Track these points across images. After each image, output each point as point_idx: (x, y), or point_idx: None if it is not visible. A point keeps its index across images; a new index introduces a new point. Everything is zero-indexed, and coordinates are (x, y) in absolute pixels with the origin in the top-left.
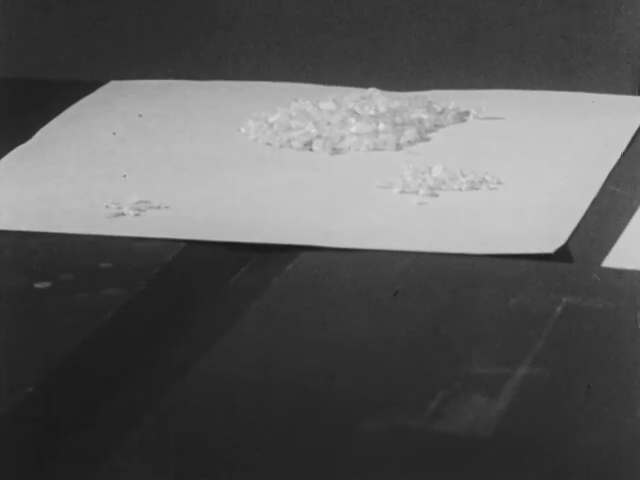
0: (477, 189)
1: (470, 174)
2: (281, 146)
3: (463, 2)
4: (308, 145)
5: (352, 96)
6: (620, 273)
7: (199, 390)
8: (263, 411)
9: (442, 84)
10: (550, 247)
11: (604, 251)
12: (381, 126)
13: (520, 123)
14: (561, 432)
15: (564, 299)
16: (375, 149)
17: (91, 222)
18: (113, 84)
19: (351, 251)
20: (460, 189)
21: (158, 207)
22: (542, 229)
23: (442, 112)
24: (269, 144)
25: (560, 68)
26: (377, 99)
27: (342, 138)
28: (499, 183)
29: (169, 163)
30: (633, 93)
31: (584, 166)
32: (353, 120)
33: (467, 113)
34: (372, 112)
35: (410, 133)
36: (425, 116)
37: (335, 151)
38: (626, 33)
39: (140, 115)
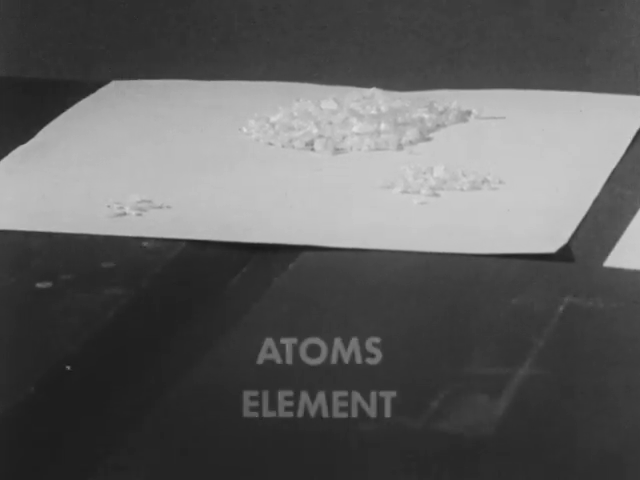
0: (479, 189)
1: (472, 174)
2: (283, 146)
3: (464, 2)
4: (310, 145)
5: (354, 96)
6: (622, 273)
7: (201, 390)
8: (263, 410)
9: (444, 84)
10: (552, 247)
11: (606, 251)
12: (383, 126)
13: (522, 123)
14: (562, 432)
15: (566, 299)
16: (377, 149)
17: (93, 222)
18: (115, 84)
19: (352, 251)
20: (462, 189)
21: (160, 207)
22: (544, 229)
23: (444, 112)
24: (271, 144)
25: (562, 68)
26: (379, 99)
27: (344, 138)
28: (501, 183)
29: (171, 163)
30: (635, 93)
31: (586, 166)
32: (355, 120)
33: (469, 113)
34: (374, 112)
35: (412, 133)
36: (427, 116)
37: (337, 151)
38: (627, 32)
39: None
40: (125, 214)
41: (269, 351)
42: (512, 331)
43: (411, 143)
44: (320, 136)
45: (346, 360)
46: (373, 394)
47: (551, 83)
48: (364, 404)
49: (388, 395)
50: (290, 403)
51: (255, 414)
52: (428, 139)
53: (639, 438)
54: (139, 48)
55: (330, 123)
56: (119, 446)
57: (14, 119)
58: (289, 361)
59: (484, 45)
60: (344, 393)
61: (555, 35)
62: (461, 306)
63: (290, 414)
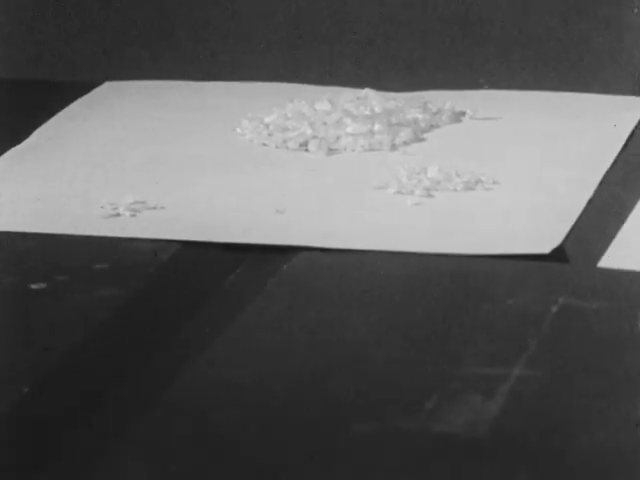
0: (472, 189)
1: (465, 174)
2: (277, 147)
3: (459, 1)
4: (304, 145)
5: (347, 96)
6: (616, 273)
7: (195, 391)
8: (258, 411)
9: (438, 84)
10: (546, 247)
11: (600, 251)
12: (376, 126)
13: (516, 123)
14: (556, 432)
15: (560, 299)
16: (370, 149)
17: (87, 223)
18: (109, 85)
19: (346, 252)
20: (455, 189)
21: (154, 208)
22: (538, 229)
23: (437, 112)
24: (265, 145)
25: (556, 68)
26: (372, 99)
27: (338, 138)
28: (495, 183)
29: (165, 163)
30: (628, 93)
31: (580, 166)
32: (349, 120)
33: (462, 113)
34: (367, 112)
35: (405, 133)
36: (420, 116)
37: (331, 152)
38: (622, 33)
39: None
40: (119, 215)
41: (264, 351)
42: (506, 331)
43: (405, 144)
44: (314, 137)
45: (341, 360)
46: (368, 394)
47: (544, 84)
48: (359, 404)
49: (383, 395)
50: (286, 402)
51: (251, 413)
52: (422, 140)
53: (633, 437)
54: (132, 49)
55: (324, 124)
56: (115, 446)
57: (8, 120)
58: (284, 361)
59: (479, 45)
60: (339, 393)
61: (549, 35)
62: (455, 306)
63: (285, 413)
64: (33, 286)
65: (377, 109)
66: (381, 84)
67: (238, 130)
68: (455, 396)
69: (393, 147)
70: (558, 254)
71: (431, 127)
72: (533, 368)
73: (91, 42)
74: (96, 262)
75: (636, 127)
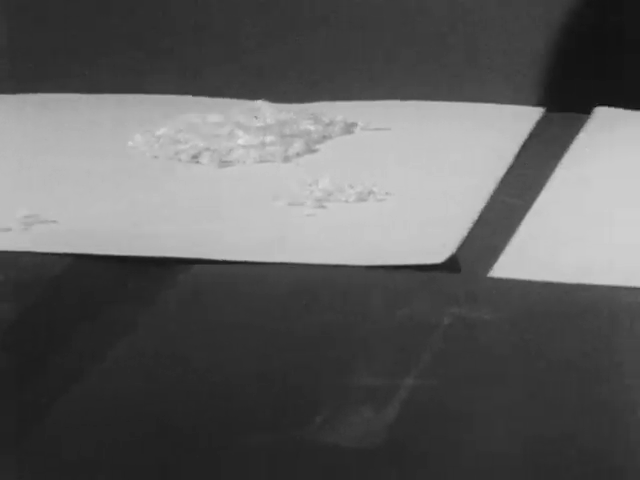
0: (365, 200)
1: (358, 185)
2: (169, 159)
3: (350, 14)
4: (196, 158)
5: (240, 108)
6: (507, 283)
7: (88, 403)
8: (151, 425)
9: (329, 96)
10: (438, 258)
11: (491, 261)
12: (268, 138)
13: (408, 134)
14: (448, 443)
15: (451, 310)
16: (262, 161)
17: None
18: (0, 98)
19: (238, 264)
20: (347, 201)
21: (45, 221)
22: (430, 240)
23: (329, 124)
24: (157, 157)
25: (447, 78)
26: (265, 111)
27: (230, 151)
28: (387, 194)
29: (57, 177)
30: (521, 103)
31: (473, 176)
32: (240, 132)
33: (354, 125)
34: (260, 124)
35: (298, 145)
36: (312, 128)
37: (223, 164)
38: (516, 42)
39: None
40: (10, 229)
41: (159, 363)
42: (398, 342)
43: (297, 155)
44: (206, 149)
45: (236, 372)
46: (260, 406)
47: (436, 94)
48: (252, 415)
49: (275, 406)
50: (180, 415)
51: (144, 427)
52: (314, 151)
53: (523, 447)
54: (21, 61)
55: (216, 136)
56: (5, 461)
57: None
58: (179, 373)
59: (371, 56)
60: (233, 404)
61: (442, 45)
62: (347, 318)
63: (181, 425)
64: None
65: (269, 120)
66: (273, 96)
67: (130, 143)
68: (347, 407)
69: (285, 158)
70: (450, 264)
71: (323, 138)
72: (425, 378)
73: None
74: None
75: (528, 137)
